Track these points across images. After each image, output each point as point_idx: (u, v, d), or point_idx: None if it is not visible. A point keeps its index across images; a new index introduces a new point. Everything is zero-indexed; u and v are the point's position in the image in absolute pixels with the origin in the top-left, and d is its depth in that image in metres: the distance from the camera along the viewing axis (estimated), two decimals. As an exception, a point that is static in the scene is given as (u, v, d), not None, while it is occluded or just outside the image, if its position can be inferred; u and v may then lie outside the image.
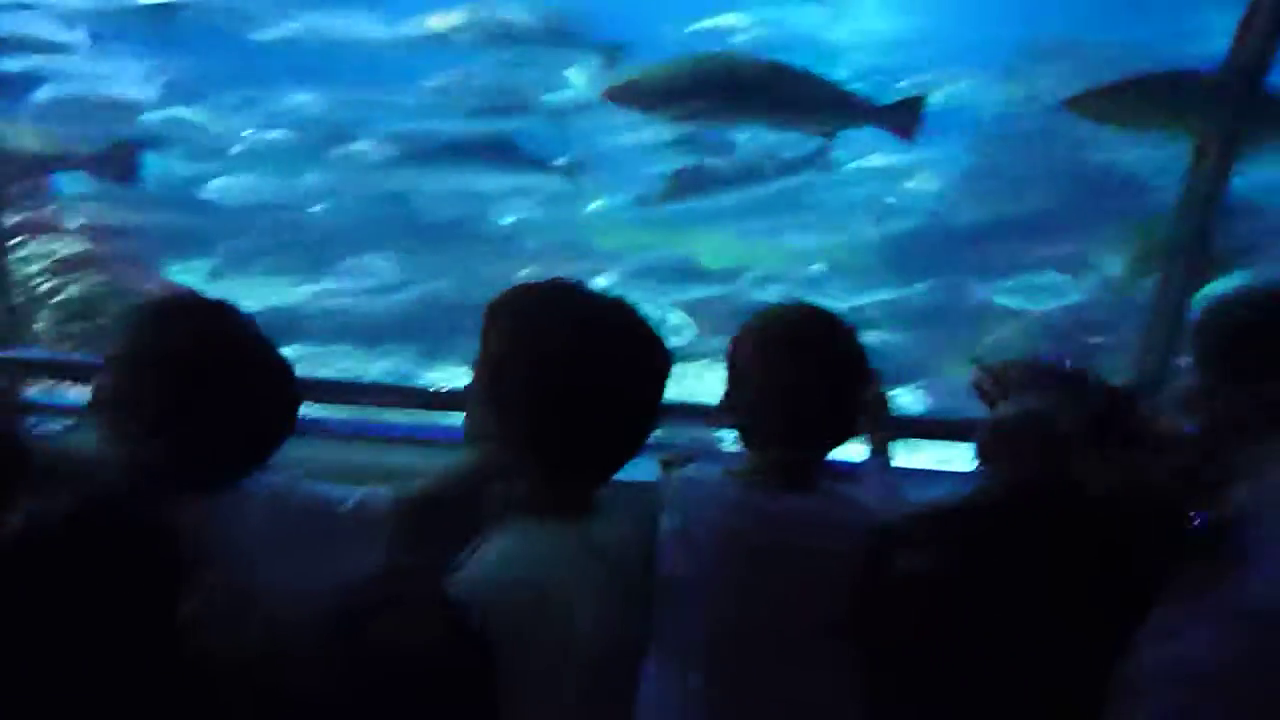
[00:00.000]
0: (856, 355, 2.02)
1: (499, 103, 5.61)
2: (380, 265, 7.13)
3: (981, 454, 1.97)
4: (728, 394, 2.05)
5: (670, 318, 6.76)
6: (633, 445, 1.82)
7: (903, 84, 6.78)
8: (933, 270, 7.58)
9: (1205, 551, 1.68)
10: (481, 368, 1.84)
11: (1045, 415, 1.87)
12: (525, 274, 7.90)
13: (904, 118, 3.95)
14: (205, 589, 1.35)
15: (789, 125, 4.10)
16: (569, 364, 1.72)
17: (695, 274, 7.16)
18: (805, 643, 1.87)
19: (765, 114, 3.91)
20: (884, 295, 7.24)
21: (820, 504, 2.01)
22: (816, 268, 7.39)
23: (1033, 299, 6.74)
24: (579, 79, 5.69)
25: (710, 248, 7.39)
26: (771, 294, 7.31)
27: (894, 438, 2.41)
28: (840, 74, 9.84)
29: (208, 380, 1.76)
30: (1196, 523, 1.69)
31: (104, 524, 1.35)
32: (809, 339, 1.99)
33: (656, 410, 1.82)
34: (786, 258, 7.57)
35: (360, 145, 5.85)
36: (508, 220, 6.92)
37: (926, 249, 7.62)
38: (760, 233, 7.46)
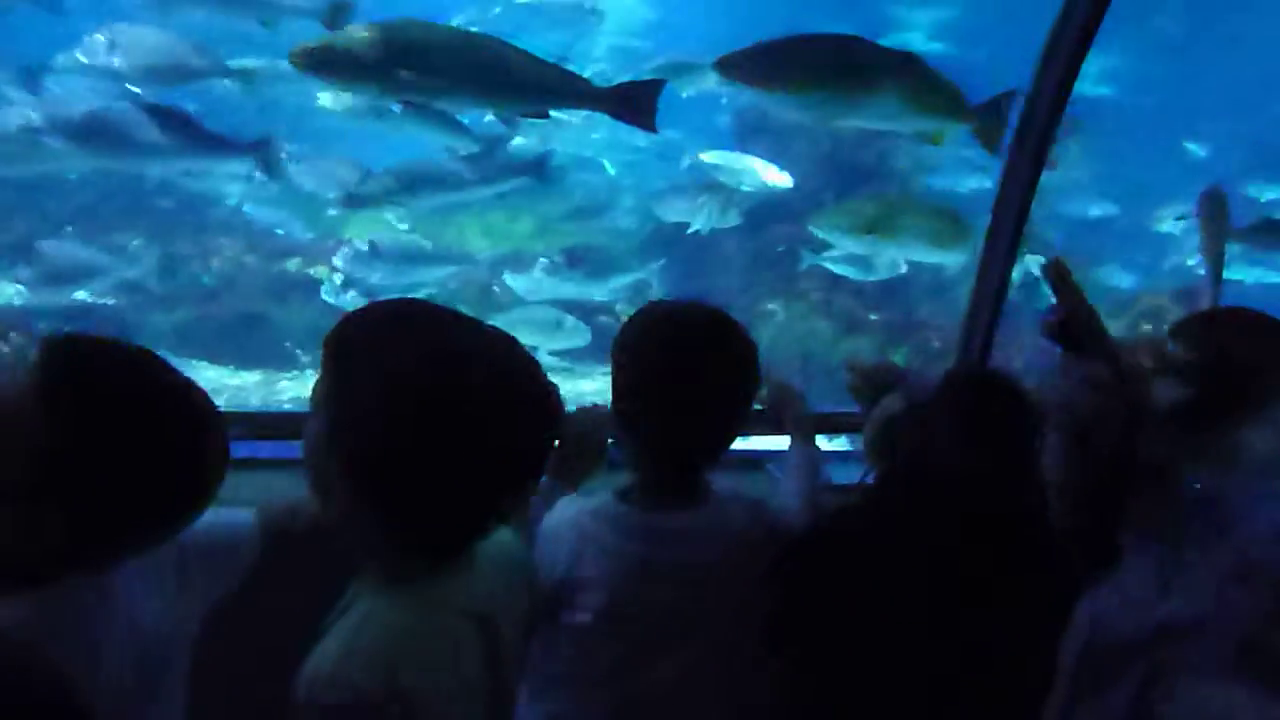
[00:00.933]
0: (745, 351, 1.91)
1: (178, 69, 4.77)
2: (59, 252, 6.14)
3: (870, 449, 2.00)
4: (614, 402, 1.91)
5: (565, 323, 6.53)
6: (512, 497, 1.57)
7: (653, 65, 6.56)
8: (693, 255, 7.53)
9: (1175, 523, 1.83)
10: (322, 410, 1.51)
11: (929, 410, 1.87)
12: (245, 260, 7.27)
13: (637, 103, 3.51)
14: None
15: (499, 105, 3.62)
16: (429, 410, 1.43)
17: (430, 257, 6.71)
18: (710, 656, 1.87)
19: (472, 92, 3.40)
20: (635, 279, 7.14)
21: (716, 515, 1.94)
22: (559, 254, 7.12)
23: (861, 270, 6.84)
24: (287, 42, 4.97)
25: (440, 231, 7.01)
26: (514, 279, 7.07)
27: (815, 428, 2.37)
28: (598, 50, 9.72)
29: (112, 451, 1.42)
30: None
31: None
32: (692, 337, 1.87)
33: (541, 458, 1.60)
34: (528, 241, 7.33)
35: (8, 114, 4.82)
36: (194, 202, 6.15)
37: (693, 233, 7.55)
38: (502, 216, 7.18)
